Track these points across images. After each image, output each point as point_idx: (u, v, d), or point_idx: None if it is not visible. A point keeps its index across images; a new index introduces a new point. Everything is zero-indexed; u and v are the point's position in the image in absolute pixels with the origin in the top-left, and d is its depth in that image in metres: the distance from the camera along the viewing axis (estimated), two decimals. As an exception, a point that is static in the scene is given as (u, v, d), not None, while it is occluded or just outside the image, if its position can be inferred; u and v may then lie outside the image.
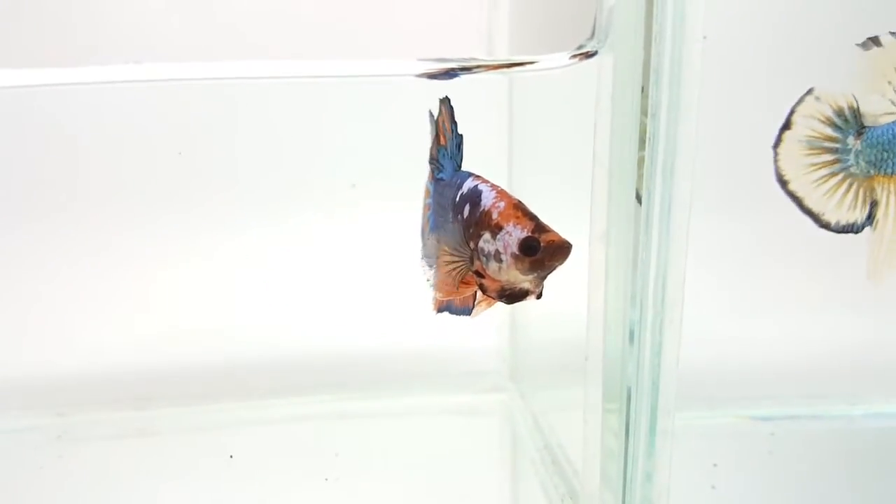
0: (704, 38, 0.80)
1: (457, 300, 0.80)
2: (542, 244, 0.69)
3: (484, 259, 0.73)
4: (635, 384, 0.91)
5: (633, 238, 0.86)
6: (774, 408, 1.33)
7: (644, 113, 0.82)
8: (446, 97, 0.80)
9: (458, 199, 0.77)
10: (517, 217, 0.72)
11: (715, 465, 1.19)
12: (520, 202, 0.73)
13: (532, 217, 0.72)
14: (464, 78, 0.90)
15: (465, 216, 0.76)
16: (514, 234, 0.71)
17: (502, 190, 0.75)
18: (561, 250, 0.70)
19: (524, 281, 0.73)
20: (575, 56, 0.83)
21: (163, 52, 1.10)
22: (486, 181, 0.77)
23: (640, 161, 0.83)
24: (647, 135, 0.82)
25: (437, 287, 0.80)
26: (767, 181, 1.28)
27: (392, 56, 0.93)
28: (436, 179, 0.84)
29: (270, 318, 1.36)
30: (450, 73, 0.87)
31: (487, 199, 0.74)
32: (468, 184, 0.77)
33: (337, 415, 1.34)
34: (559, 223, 1.13)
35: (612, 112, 0.82)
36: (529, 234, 0.70)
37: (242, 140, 1.30)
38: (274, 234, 1.34)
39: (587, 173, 0.90)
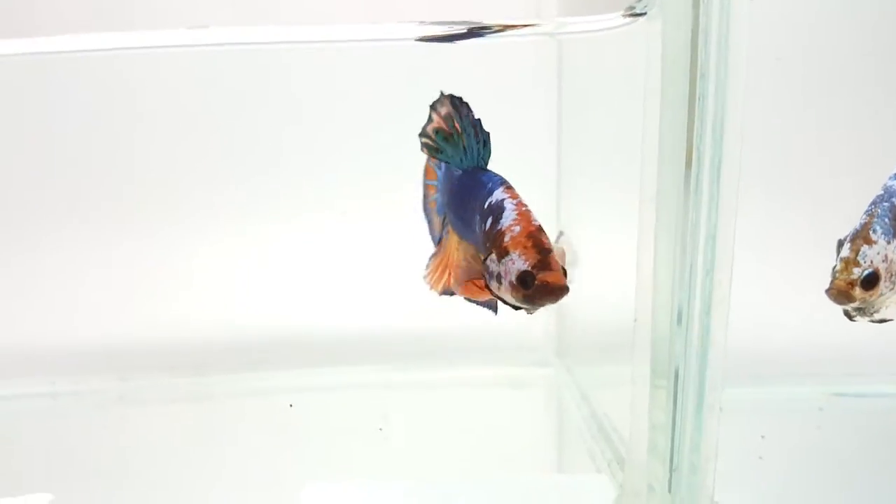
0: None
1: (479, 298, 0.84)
2: (536, 282, 0.72)
3: (487, 276, 0.76)
4: (683, 361, 0.91)
5: (683, 201, 0.86)
6: (823, 385, 1.32)
7: (693, 73, 0.82)
8: (455, 97, 0.80)
9: (486, 206, 0.79)
10: (525, 247, 0.73)
11: (763, 437, 1.19)
12: (536, 229, 0.75)
13: (540, 249, 0.73)
14: (512, 41, 0.91)
15: (485, 228, 0.77)
16: (517, 263, 0.73)
17: (525, 211, 0.76)
18: (552, 293, 0.72)
19: (518, 305, 0.75)
20: (624, 16, 0.84)
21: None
22: (514, 195, 0.78)
23: (690, 122, 0.84)
24: (697, 95, 0.83)
25: (455, 278, 0.84)
26: (815, 154, 1.28)
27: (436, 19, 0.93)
28: (449, 169, 0.86)
29: (324, 293, 1.39)
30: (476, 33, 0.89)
31: (507, 218, 0.76)
32: (497, 195, 0.78)
33: (386, 384, 1.37)
34: (610, 189, 1.14)
35: (661, 72, 0.83)
36: (529, 268, 0.72)
37: (296, 114, 1.34)
38: (326, 209, 1.37)
39: (637, 137, 0.91)
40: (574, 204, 1.33)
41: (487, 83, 1.29)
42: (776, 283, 1.35)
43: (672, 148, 0.84)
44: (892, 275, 0.84)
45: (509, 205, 0.77)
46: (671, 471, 0.97)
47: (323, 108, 1.34)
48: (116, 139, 1.34)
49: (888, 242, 0.84)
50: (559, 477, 1.16)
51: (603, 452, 1.12)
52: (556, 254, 0.75)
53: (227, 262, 1.38)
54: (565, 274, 0.74)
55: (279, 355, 1.39)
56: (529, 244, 0.74)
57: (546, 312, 1.46)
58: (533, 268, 0.72)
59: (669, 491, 0.98)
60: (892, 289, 0.85)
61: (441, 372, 1.42)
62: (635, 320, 0.93)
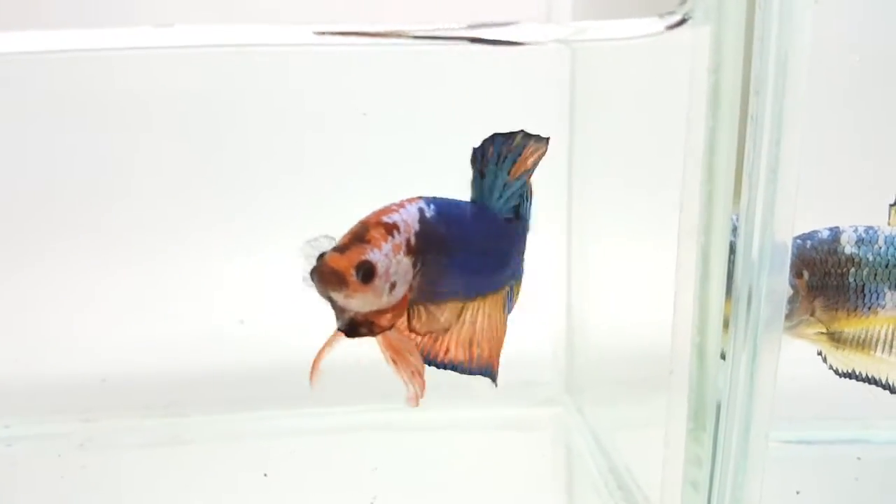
0: (817, 1, 0.70)
1: None
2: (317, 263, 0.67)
3: None
4: (726, 400, 0.80)
5: (728, 235, 0.75)
6: (861, 430, 1.21)
7: (745, 90, 0.71)
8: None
9: None
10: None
11: (798, 492, 1.08)
12: (370, 222, 0.70)
13: (352, 236, 0.69)
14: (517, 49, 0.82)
15: None
16: None
17: (386, 208, 0.73)
18: (319, 273, 0.67)
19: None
20: (666, 24, 0.73)
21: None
22: (413, 200, 0.75)
23: (741, 146, 0.72)
24: (750, 115, 0.71)
25: None
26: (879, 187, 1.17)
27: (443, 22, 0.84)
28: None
29: (310, 324, 1.28)
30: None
31: None
32: None
33: (379, 426, 1.25)
34: (628, 216, 1.03)
35: (708, 89, 0.71)
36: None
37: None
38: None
39: (666, 157, 0.81)
40: (587, 229, 1.22)
41: (487, 93, 1.20)
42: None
43: (720, 176, 0.73)
44: None
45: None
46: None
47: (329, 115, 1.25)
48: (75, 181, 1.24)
49: None
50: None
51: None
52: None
53: (207, 287, 1.28)
54: (366, 274, 0.67)
55: (263, 393, 1.28)
56: (352, 230, 0.70)
57: (555, 342, 1.35)
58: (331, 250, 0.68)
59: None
60: None
61: (435, 412, 1.29)
62: (671, 373, 0.81)
